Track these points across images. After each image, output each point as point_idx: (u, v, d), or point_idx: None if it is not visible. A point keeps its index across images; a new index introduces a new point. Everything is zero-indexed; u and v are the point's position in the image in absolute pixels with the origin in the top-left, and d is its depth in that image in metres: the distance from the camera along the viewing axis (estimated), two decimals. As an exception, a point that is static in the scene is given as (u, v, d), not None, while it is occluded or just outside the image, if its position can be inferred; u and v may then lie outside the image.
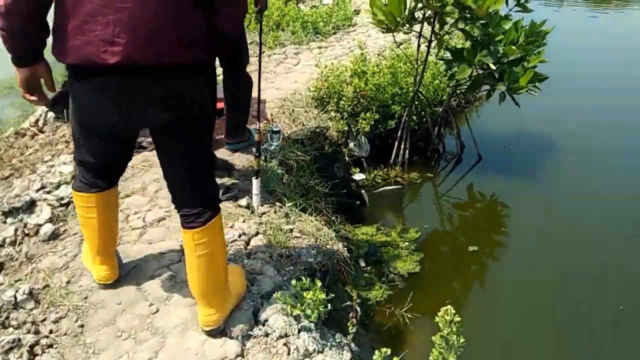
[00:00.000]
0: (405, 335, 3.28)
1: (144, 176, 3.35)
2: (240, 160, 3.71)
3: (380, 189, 4.97)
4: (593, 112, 6.65)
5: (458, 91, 5.45)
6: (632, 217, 4.62)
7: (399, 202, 4.85)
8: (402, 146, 5.42)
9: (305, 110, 5.03)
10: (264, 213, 3.07)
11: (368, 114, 5.09)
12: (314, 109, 5.10)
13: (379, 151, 5.50)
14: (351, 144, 5.19)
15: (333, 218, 3.93)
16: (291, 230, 2.97)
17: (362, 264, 3.94)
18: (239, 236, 2.79)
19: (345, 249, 3.06)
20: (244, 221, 2.93)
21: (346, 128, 5.00)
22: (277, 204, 3.24)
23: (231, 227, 2.86)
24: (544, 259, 4.07)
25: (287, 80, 5.66)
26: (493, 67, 4.54)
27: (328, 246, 2.98)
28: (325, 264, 2.83)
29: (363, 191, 4.92)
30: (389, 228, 4.38)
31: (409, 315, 3.38)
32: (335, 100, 5.08)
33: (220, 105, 4.62)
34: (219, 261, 2.05)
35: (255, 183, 3.01)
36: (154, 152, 2.02)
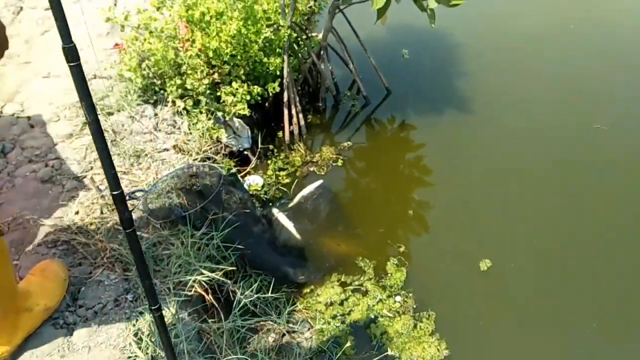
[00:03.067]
0: None
1: None
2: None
3: (298, 198, 3.19)
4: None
5: (343, 5, 3.58)
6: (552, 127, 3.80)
7: (335, 211, 3.16)
8: (294, 110, 3.56)
9: (134, 117, 2.76)
10: None
11: (237, 86, 3.03)
12: (147, 108, 2.85)
13: (259, 128, 3.56)
14: (224, 138, 3.14)
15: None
16: None
17: (363, 376, 2.38)
18: None
19: None
20: None
21: (224, 137, 2.93)
22: None
23: None
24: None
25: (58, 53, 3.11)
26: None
27: None
28: None
29: (277, 213, 3.09)
30: (355, 274, 2.78)
31: None
32: (177, 81, 2.87)
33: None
34: None
35: None
36: None
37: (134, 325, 1.69)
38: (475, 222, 3.12)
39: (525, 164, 3.54)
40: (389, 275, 2.77)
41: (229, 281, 2.06)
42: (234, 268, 2.09)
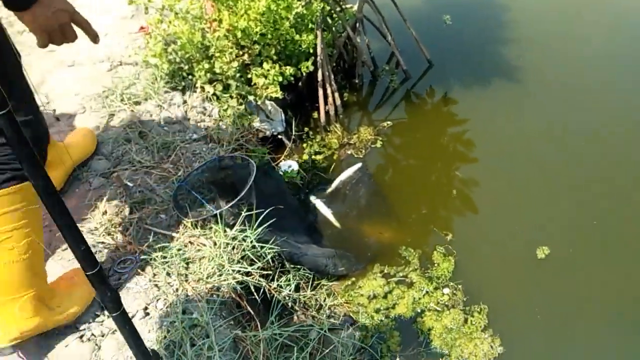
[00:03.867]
0: None
1: None
2: None
3: (337, 183, 3.02)
4: None
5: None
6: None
7: (376, 196, 2.98)
8: (329, 90, 3.36)
9: (162, 106, 2.63)
10: None
11: (268, 67, 2.85)
12: (176, 95, 2.71)
13: (293, 110, 3.38)
14: (256, 122, 2.99)
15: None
16: None
17: (411, 376, 2.23)
18: None
19: None
20: None
21: (256, 122, 2.78)
22: None
23: None
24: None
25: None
26: None
27: None
28: None
29: (314, 200, 2.94)
30: (399, 265, 2.61)
31: None
32: (205, 65, 2.72)
33: None
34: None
35: None
36: None
37: (165, 337, 1.58)
38: (528, 203, 2.88)
39: (579, 138, 3.24)
40: (436, 265, 2.58)
41: (264, 281, 1.92)
42: (270, 272, 1.95)
